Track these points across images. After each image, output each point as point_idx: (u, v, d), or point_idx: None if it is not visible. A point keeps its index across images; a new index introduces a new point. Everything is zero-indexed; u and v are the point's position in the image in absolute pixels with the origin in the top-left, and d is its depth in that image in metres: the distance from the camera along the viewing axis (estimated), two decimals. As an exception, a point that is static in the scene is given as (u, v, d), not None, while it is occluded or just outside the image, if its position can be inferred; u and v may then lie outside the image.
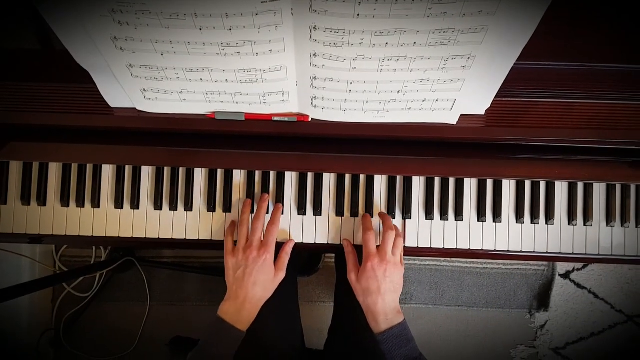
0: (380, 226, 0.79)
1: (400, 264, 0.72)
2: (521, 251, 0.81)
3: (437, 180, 0.81)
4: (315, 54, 0.55)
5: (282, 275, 0.74)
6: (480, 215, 0.80)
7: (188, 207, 0.80)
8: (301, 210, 0.80)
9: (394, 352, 0.67)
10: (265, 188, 0.80)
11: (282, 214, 0.80)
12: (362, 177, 0.81)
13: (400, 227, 0.81)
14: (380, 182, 0.81)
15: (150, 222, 0.80)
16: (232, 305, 0.69)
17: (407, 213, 0.80)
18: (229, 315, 0.68)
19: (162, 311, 1.49)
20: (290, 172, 0.81)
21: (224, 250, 0.75)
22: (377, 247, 0.72)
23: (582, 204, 0.81)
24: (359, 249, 0.76)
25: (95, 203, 0.80)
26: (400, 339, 0.67)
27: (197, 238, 0.81)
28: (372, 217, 0.80)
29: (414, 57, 0.55)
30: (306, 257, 1.46)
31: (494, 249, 0.81)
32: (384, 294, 0.69)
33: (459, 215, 0.80)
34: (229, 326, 0.68)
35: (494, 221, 0.81)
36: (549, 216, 0.80)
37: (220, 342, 0.67)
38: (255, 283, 0.70)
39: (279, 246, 0.77)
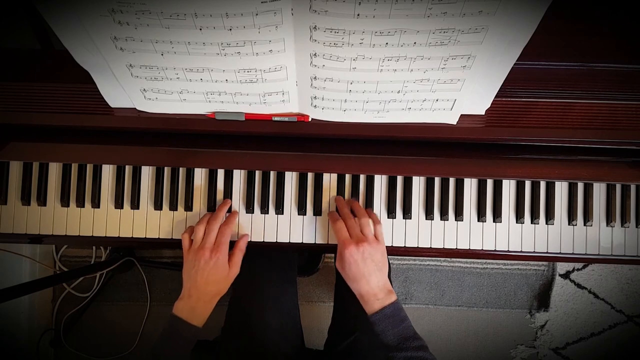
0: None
1: (376, 241, 0.72)
2: (521, 251, 0.81)
3: (437, 180, 0.81)
4: (315, 54, 0.55)
5: (235, 271, 0.74)
6: (480, 215, 0.80)
7: (188, 207, 0.80)
8: (301, 210, 0.80)
9: (388, 332, 0.67)
10: (265, 188, 0.80)
11: (282, 214, 0.80)
12: (362, 177, 0.81)
13: (401, 227, 0.81)
14: (380, 182, 0.81)
15: (150, 222, 0.80)
16: (186, 304, 0.70)
17: (407, 213, 0.80)
18: (184, 313, 0.69)
19: (162, 311, 1.49)
20: (290, 172, 0.81)
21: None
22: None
23: (582, 204, 0.81)
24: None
25: (95, 203, 0.80)
26: (393, 318, 0.67)
27: (197, 238, 0.80)
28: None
29: (414, 57, 0.55)
30: (306, 257, 1.46)
31: (494, 249, 0.81)
32: (368, 276, 0.69)
33: (459, 215, 0.80)
34: (184, 322, 0.68)
35: (494, 221, 0.81)
36: (549, 216, 0.80)
37: (175, 337, 0.68)
38: (207, 283, 0.71)
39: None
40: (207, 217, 0.76)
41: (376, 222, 0.74)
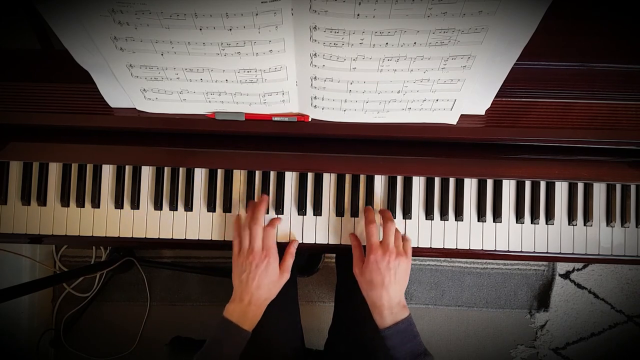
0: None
1: (404, 255, 0.71)
2: (521, 251, 0.81)
3: (437, 180, 0.81)
4: (315, 54, 0.55)
5: (286, 276, 0.75)
6: (481, 216, 0.80)
7: (188, 207, 0.80)
8: (301, 210, 0.80)
9: (399, 348, 0.67)
10: (265, 188, 0.80)
11: (282, 213, 0.80)
12: (362, 177, 0.81)
13: (400, 227, 0.80)
14: (380, 182, 0.81)
15: (150, 222, 0.80)
16: (238, 307, 0.70)
17: (407, 213, 0.80)
18: (235, 316, 0.69)
19: (162, 311, 1.49)
20: (290, 172, 0.81)
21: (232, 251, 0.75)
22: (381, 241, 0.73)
23: (582, 204, 0.81)
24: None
25: (95, 203, 0.80)
26: (405, 334, 0.67)
27: (197, 238, 0.81)
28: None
29: (414, 57, 0.55)
30: (306, 257, 1.46)
31: (494, 249, 0.81)
32: (388, 286, 0.68)
33: (459, 215, 0.80)
34: (235, 326, 0.68)
35: (494, 221, 0.81)
36: (549, 216, 0.80)
37: (226, 341, 0.68)
38: (259, 287, 0.71)
39: (285, 246, 0.78)
40: (249, 219, 0.74)
41: (407, 238, 0.75)
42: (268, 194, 0.80)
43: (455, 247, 0.81)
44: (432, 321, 1.50)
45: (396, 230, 0.73)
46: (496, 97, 0.64)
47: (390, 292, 0.68)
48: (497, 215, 0.80)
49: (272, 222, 0.76)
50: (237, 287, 0.72)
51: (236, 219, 0.78)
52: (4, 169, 0.80)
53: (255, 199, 0.80)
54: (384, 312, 0.68)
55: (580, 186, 0.81)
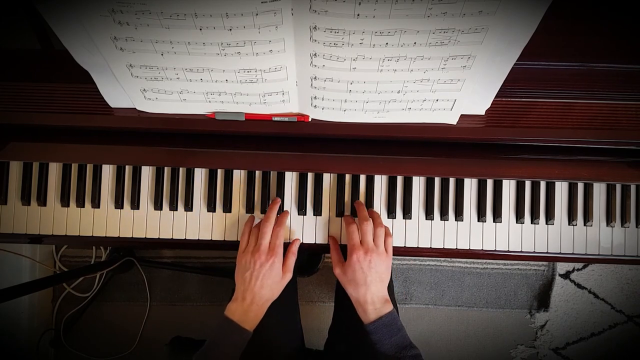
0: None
1: (385, 253, 0.72)
2: (521, 251, 0.81)
3: (437, 180, 0.81)
4: (315, 54, 0.55)
5: (289, 276, 0.75)
6: (481, 216, 0.80)
7: (188, 207, 0.80)
8: (301, 210, 0.80)
9: (384, 341, 0.67)
10: (265, 188, 0.80)
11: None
12: (362, 177, 0.81)
13: (401, 227, 0.81)
14: (380, 182, 0.81)
15: (150, 222, 0.80)
16: (240, 306, 0.70)
17: (407, 213, 0.80)
18: (237, 316, 0.69)
19: (162, 311, 1.49)
20: (290, 172, 0.81)
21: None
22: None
23: (582, 204, 0.81)
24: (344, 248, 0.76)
25: (95, 203, 0.80)
26: (389, 328, 0.68)
27: (197, 238, 0.81)
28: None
29: (414, 57, 0.55)
30: (306, 257, 1.46)
31: (494, 249, 0.81)
32: (370, 284, 0.69)
33: (459, 215, 0.80)
34: (236, 326, 0.68)
35: (494, 221, 0.81)
36: (549, 216, 0.80)
37: (227, 341, 0.67)
38: (262, 286, 0.71)
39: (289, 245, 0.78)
40: (254, 219, 0.76)
41: (388, 234, 0.75)
42: (268, 194, 0.80)
43: (455, 247, 0.81)
44: (432, 321, 1.50)
45: (376, 227, 0.73)
46: (496, 97, 0.64)
47: (372, 289, 0.69)
48: (497, 215, 0.80)
49: (280, 221, 0.76)
50: (239, 285, 0.72)
51: (250, 217, 0.79)
52: (4, 169, 0.80)
53: (255, 199, 0.80)
54: (368, 308, 0.69)
55: (580, 186, 0.81)
